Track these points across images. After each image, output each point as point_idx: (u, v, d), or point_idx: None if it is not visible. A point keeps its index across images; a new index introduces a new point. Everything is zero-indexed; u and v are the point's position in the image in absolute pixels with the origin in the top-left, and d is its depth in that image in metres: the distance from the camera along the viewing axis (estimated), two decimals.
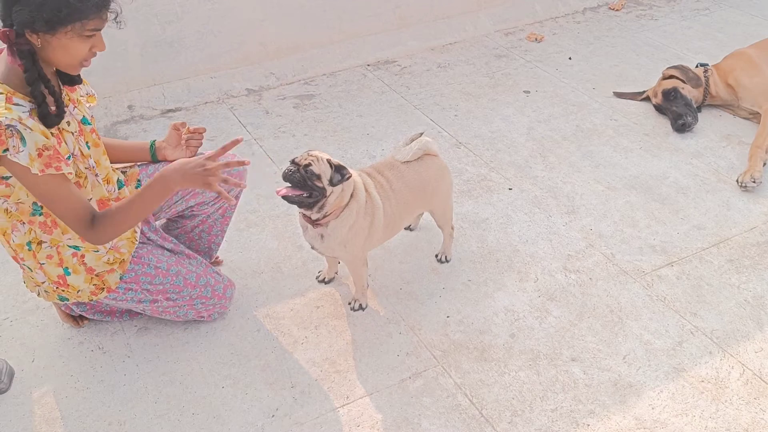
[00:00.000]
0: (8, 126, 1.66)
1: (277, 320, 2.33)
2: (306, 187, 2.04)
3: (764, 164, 3.01)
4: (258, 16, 3.71)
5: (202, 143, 2.24)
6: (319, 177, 2.03)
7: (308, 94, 3.71)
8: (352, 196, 2.14)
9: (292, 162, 2.07)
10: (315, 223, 2.14)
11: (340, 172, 2.06)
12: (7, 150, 1.67)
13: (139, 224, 2.15)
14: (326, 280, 2.47)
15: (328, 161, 2.06)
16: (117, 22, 1.80)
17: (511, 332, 2.28)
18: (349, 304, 2.37)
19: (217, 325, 2.30)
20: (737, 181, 2.94)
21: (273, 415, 2.02)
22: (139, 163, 2.24)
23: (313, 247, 2.24)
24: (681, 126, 3.30)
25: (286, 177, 2.05)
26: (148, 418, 2.01)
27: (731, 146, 3.22)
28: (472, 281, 2.49)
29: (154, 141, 2.23)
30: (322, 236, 2.16)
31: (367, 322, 2.32)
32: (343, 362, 2.18)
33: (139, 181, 2.19)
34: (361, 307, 2.35)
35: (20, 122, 1.68)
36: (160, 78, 3.59)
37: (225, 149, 1.89)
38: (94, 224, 1.83)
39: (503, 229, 2.73)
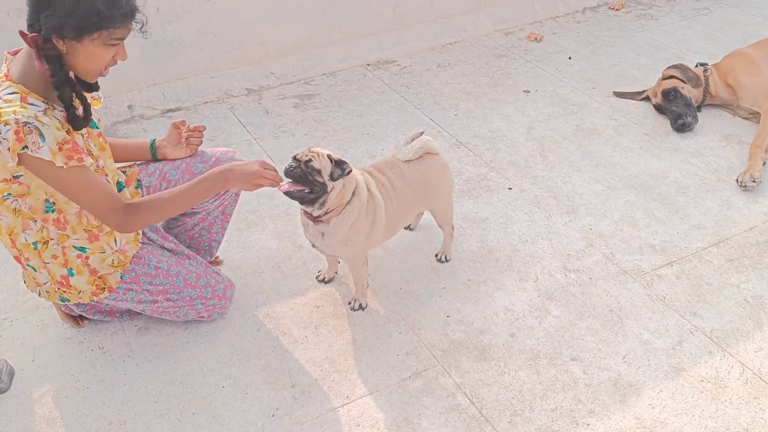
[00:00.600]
0: (25, 123, 1.68)
1: (277, 320, 2.33)
2: (307, 182, 2.05)
3: (764, 164, 3.01)
4: (258, 16, 3.71)
5: (202, 141, 2.26)
6: (319, 172, 2.04)
7: (308, 94, 3.71)
8: (354, 193, 2.14)
9: (294, 158, 2.08)
10: (317, 220, 2.14)
11: (340, 166, 2.06)
12: (26, 147, 1.68)
13: None
14: (326, 279, 2.48)
15: (329, 157, 2.06)
16: (143, 32, 1.83)
17: (510, 332, 2.28)
18: (349, 303, 2.37)
19: (218, 325, 2.30)
20: (737, 180, 2.94)
21: (273, 415, 2.02)
22: (138, 163, 2.25)
23: (313, 245, 2.24)
24: (681, 126, 3.30)
25: (288, 173, 2.06)
26: (148, 418, 2.01)
27: (731, 146, 3.22)
28: (472, 281, 2.49)
29: (154, 140, 2.24)
30: (323, 234, 2.16)
31: (367, 322, 2.32)
32: (343, 362, 2.18)
33: (138, 181, 2.19)
34: (361, 307, 2.36)
35: (36, 119, 1.70)
36: (160, 78, 3.59)
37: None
38: (128, 211, 1.87)
39: (503, 228, 2.74)
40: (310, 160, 2.05)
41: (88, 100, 1.95)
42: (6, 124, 1.66)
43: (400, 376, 2.13)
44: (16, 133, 1.67)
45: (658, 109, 3.47)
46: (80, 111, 1.82)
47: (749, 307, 2.37)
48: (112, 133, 3.35)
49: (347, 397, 2.07)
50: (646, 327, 2.30)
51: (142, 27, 1.82)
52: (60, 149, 1.73)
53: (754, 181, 2.90)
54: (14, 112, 1.68)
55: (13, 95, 1.72)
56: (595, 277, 2.50)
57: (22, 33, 1.72)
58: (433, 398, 2.06)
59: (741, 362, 2.17)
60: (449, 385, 2.10)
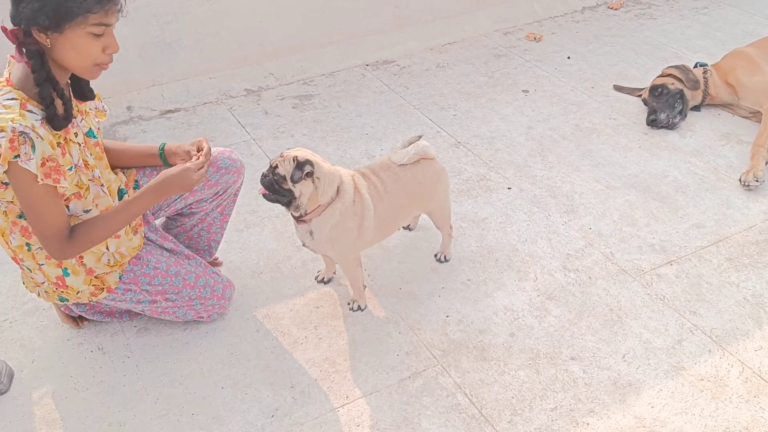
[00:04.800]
0: (21, 133, 1.67)
1: (276, 320, 2.33)
2: (274, 190, 2.07)
3: (766, 163, 3.00)
4: (257, 17, 3.71)
5: (210, 161, 2.22)
6: (284, 178, 2.05)
7: (307, 95, 3.71)
8: (338, 194, 2.13)
9: (270, 165, 2.11)
10: (299, 219, 2.15)
11: (300, 168, 2.03)
12: (17, 156, 1.67)
13: (141, 225, 2.16)
14: (325, 280, 2.47)
15: (295, 158, 2.04)
16: (119, 12, 1.77)
17: (510, 331, 2.28)
18: (348, 304, 2.37)
19: (217, 326, 2.30)
20: (740, 180, 2.93)
21: (273, 416, 2.02)
22: None
23: (304, 244, 2.24)
24: (651, 122, 3.32)
25: (261, 181, 2.11)
26: (147, 419, 2.01)
27: (730, 145, 3.22)
28: (472, 281, 2.49)
29: (164, 145, 2.18)
30: (311, 233, 2.17)
31: (367, 322, 2.32)
32: (343, 362, 2.18)
33: (136, 181, 2.19)
34: (359, 308, 2.35)
35: (33, 130, 1.69)
36: (159, 79, 3.59)
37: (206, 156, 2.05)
38: (72, 237, 1.85)
39: (502, 228, 2.74)
40: (277, 166, 2.06)
41: (89, 110, 1.94)
42: (2, 130, 1.65)
43: (399, 376, 2.13)
44: (11, 141, 1.66)
45: (646, 103, 3.46)
46: (60, 111, 1.78)
47: (749, 306, 2.37)
48: (111, 134, 3.35)
49: (347, 397, 2.07)
50: (645, 326, 2.29)
51: (120, 9, 1.75)
52: (42, 165, 1.72)
53: (757, 181, 2.89)
54: (12, 120, 1.67)
55: (13, 101, 1.71)
56: (595, 276, 2.50)
57: (3, 28, 1.70)
58: (432, 398, 2.06)
59: (741, 361, 2.17)
60: (449, 385, 2.10)
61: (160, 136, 3.33)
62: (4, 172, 1.70)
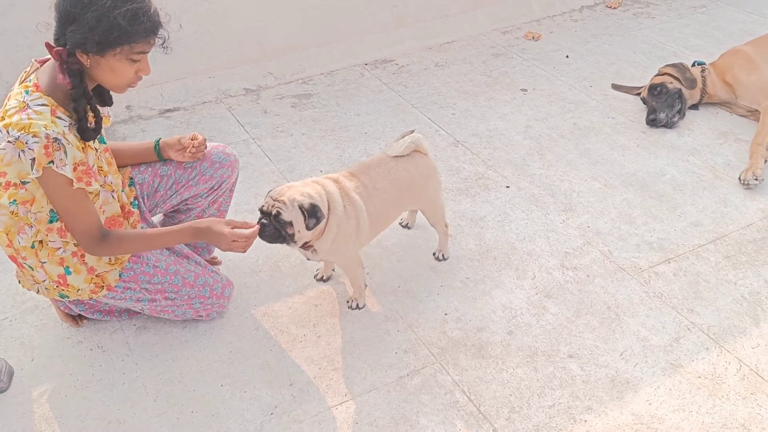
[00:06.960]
0: (55, 139, 1.74)
1: (275, 318, 2.34)
2: (280, 237, 2.06)
3: (765, 161, 3.01)
4: (256, 16, 3.71)
5: (204, 154, 2.26)
6: (291, 224, 2.04)
7: (306, 94, 3.71)
8: (329, 210, 2.12)
9: (261, 211, 2.08)
10: (303, 247, 2.16)
11: (314, 215, 2.05)
12: (52, 162, 1.74)
13: (140, 222, 2.18)
14: (324, 278, 2.48)
15: (300, 207, 2.03)
16: (164, 48, 1.89)
17: (508, 329, 2.29)
18: (347, 302, 2.38)
19: (216, 324, 2.31)
20: (739, 178, 2.93)
21: (271, 413, 2.02)
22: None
23: (308, 259, 2.25)
24: (651, 121, 3.33)
25: (261, 234, 2.06)
26: (147, 417, 2.02)
27: (728, 143, 3.23)
28: (470, 279, 2.49)
29: (159, 140, 2.23)
30: (314, 251, 2.19)
31: (365, 320, 2.33)
32: (341, 360, 2.19)
33: (131, 179, 2.20)
34: (358, 306, 2.36)
35: (64, 136, 1.76)
36: (158, 78, 3.59)
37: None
38: (105, 240, 1.92)
39: (501, 226, 2.74)
40: (279, 213, 2.03)
41: (101, 114, 1.97)
42: (35, 136, 1.71)
43: (398, 374, 2.14)
44: (45, 147, 1.72)
45: (645, 102, 3.46)
46: (92, 123, 1.87)
47: (746, 304, 2.37)
48: (111, 134, 3.35)
49: (345, 395, 2.08)
50: (643, 324, 2.30)
51: (163, 43, 1.88)
52: (74, 169, 1.79)
53: (756, 179, 2.90)
54: (45, 127, 1.73)
55: (44, 107, 1.76)
56: (593, 274, 2.51)
57: (48, 45, 1.77)
58: (431, 396, 2.07)
59: (738, 358, 2.17)
60: (447, 383, 2.11)
61: (159, 135, 3.32)
62: (37, 177, 1.76)
